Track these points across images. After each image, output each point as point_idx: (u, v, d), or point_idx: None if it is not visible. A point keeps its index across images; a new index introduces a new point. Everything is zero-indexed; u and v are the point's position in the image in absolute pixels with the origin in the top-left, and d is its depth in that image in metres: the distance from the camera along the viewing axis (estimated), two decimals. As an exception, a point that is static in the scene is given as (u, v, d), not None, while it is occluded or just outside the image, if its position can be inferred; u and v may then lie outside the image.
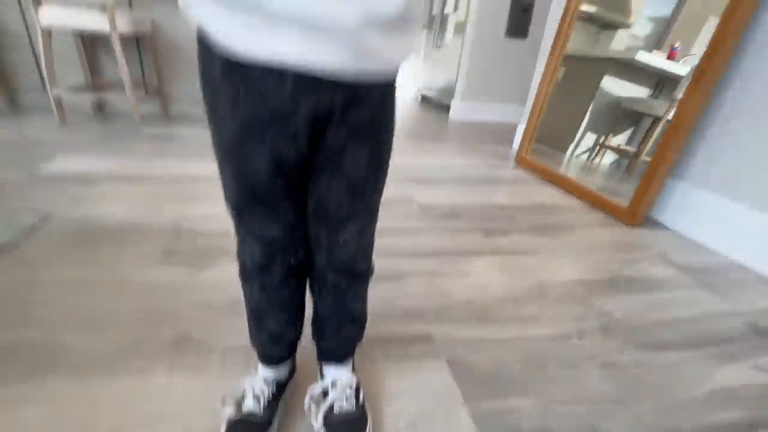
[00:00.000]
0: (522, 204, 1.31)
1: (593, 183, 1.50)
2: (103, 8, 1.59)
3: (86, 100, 1.95)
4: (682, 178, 1.22)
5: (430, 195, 1.30)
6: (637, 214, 1.20)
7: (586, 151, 1.72)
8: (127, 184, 1.16)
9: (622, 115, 1.52)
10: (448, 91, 3.16)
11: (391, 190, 1.26)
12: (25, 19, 1.86)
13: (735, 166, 1.08)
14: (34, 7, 1.55)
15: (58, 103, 1.73)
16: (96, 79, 2.03)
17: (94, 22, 1.60)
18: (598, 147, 1.65)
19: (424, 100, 3.94)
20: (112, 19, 1.61)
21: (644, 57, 1.41)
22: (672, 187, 1.23)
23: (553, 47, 1.67)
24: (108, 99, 1.95)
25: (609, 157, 1.58)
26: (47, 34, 1.62)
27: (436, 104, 3.62)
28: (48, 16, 1.56)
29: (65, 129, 1.69)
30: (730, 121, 1.09)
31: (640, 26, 1.46)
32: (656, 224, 1.24)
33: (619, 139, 1.53)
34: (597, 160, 1.65)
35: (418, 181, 1.43)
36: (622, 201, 1.26)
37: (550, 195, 1.44)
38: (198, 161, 1.39)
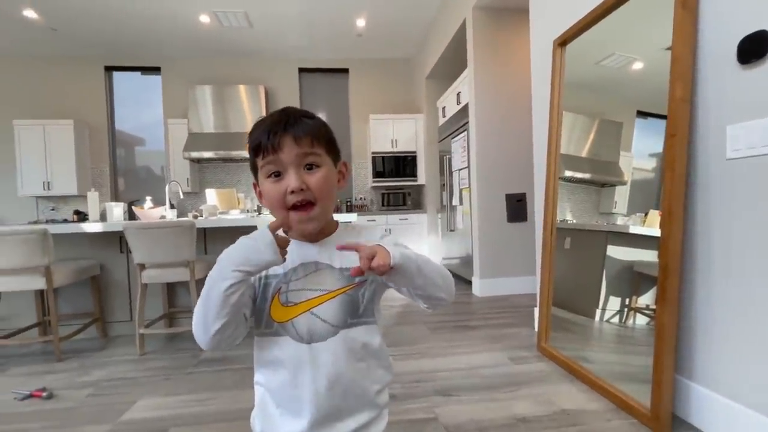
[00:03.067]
0: (545, 413, 1.36)
1: (629, 353, 1.49)
2: (186, 264, 2.12)
3: (161, 333, 2.36)
4: (690, 377, 1.28)
5: (456, 411, 1.40)
6: (662, 419, 1.22)
7: (615, 314, 1.77)
8: (191, 429, 1.36)
9: (639, 278, 1.57)
10: (467, 267, 3.48)
11: (416, 407, 1.39)
12: (128, 274, 2.46)
13: (731, 364, 1.15)
14: (139, 272, 2.09)
15: (141, 338, 2.11)
16: (171, 308, 2.50)
17: (179, 275, 2.11)
18: (626, 309, 1.71)
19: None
20: (192, 270, 2.12)
21: (638, 229, 1.50)
22: (686, 386, 1.28)
23: (545, 223, 1.96)
24: (178, 326, 2.36)
25: (642, 318, 1.53)
26: (144, 287, 2.13)
27: (459, 277, 3.90)
28: (147, 276, 2.09)
29: (143, 359, 2.04)
30: (711, 314, 1.22)
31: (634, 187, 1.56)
32: (688, 427, 1.24)
33: (647, 299, 1.50)
34: (630, 322, 1.69)
35: (443, 392, 1.55)
36: (647, 397, 1.28)
37: (573, 396, 1.49)
38: (244, 390, 1.60)
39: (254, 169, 0.64)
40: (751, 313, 1.09)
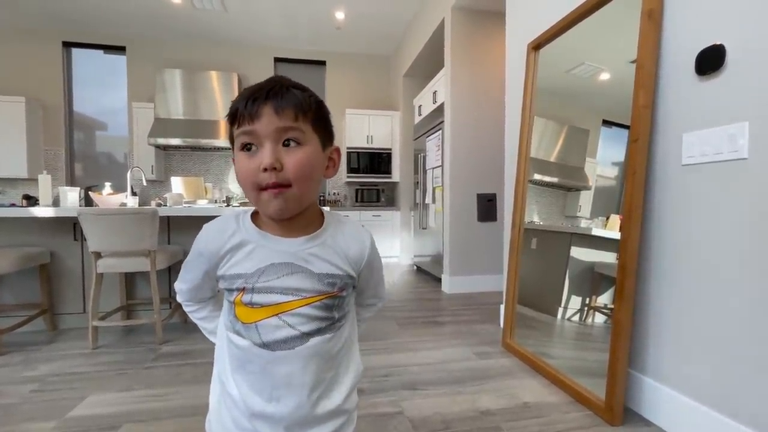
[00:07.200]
0: (508, 407, 1.40)
1: (588, 349, 1.56)
2: (147, 254, 2.02)
3: (117, 325, 2.23)
4: (642, 371, 1.35)
5: (421, 405, 1.41)
6: (615, 411, 1.28)
7: (576, 313, 1.85)
8: (147, 425, 1.29)
9: (599, 278, 1.65)
10: (438, 264, 3.52)
11: (382, 401, 1.39)
12: (83, 263, 2.31)
13: (678, 359, 1.22)
14: (94, 260, 1.97)
15: (95, 331, 1.99)
16: (129, 300, 2.37)
17: (139, 265, 2.01)
18: (586, 308, 1.79)
19: (419, 270, 4.31)
20: (153, 260, 2.02)
21: (599, 231, 1.58)
22: (638, 379, 1.35)
23: (513, 223, 2.00)
24: (136, 318, 2.24)
25: (600, 316, 1.60)
26: (99, 277, 2.00)
27: (429, 274, 3.95)
28: (103, 266, 1.97)
29: (96, 353, 1.92)
30: (662, 312, 1.29)
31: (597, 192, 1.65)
32: (638, 419, 1.31)
33: (605, 298, 1.58)
34: (589, 320, 1.76)
35: (410, 386, 1.56)
36: (602, 390, 1.34)
37: (534, 390, 1.54)
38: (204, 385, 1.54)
39: (232, 140, 0.57)
40: (697, 311, 1.16)
